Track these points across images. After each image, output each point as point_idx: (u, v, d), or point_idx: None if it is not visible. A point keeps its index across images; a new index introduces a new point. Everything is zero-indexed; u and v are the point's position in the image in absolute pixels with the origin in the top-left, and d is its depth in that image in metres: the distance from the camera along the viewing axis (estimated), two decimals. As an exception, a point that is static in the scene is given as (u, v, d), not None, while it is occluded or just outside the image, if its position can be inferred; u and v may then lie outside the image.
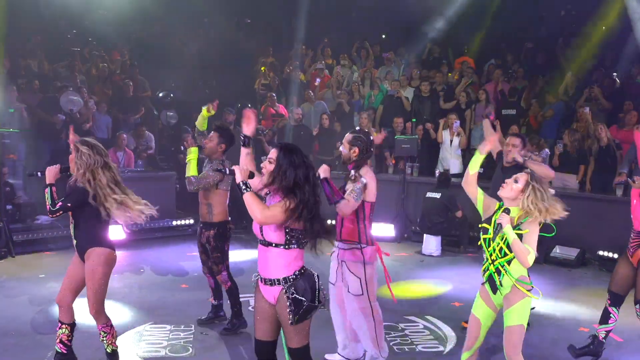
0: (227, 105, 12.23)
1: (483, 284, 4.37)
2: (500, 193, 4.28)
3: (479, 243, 4.37)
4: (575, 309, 7.00)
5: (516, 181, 4.23)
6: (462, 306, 6.85)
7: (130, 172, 10.88)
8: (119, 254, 9.76)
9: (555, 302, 7.36)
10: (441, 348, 5.90)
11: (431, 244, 9.77)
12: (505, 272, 4.19)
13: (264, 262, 3.87)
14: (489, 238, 4.27)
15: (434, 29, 15.74)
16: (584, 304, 7.26)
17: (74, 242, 4.90)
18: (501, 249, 4.19)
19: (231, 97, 14.14)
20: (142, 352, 5.66)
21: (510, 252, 4.15)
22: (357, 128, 5.07)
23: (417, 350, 5.84)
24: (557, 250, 9.22)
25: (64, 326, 4.95)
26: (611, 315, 5.46)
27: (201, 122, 6.35)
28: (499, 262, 4.21)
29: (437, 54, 14.67)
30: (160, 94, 13.25)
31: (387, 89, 13.09)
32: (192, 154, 5.94)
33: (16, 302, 6.86)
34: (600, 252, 8.94)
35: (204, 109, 6.26)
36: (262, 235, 3.83)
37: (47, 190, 4.74)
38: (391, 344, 5.92)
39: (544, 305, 7.00)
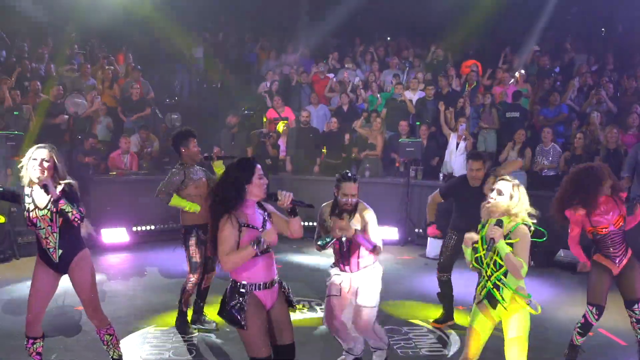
0: (231, 109, 12.26)
1: (480, 302, 4.25)
2: (491, 209, 4.20)
3: (471, 266, 4.30)
4: (579, 312, 6.95)
5: (500, 193, 4.18)
6: (465, 310, 6.83)
7: (134, 174, 10.91)
8: (123, 256, 9.86)
9: (560, 306, 7.34)
10: (445, 352, 5.89)
11: (435, 247, 9.74)
12: (504, 285, 4.12)
13: (268, 266, 3.98)
14: (481, 256, 4.18)
15: (440, 32, 15.80)
16: (583, 308, 7.20)
17: (58, 252, 4.59)
18: (495, 262, 4.13)
19: (235, 100, 14.17)
20: (146, 354, 5.66)
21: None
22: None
23: (420, 353, 5.83)
24: (562, 254, 9.20)
25: (37, 340, 4.80)
26: (592, 326, 5.45)
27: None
28: (495, 277, 4.14)
29: (442, 57, 14.66)
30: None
31: (389, 93, 13.09)
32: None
33: (20, 305, 6.85)
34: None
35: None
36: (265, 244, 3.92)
37: (63, 201, 4.49)
38: (395, 347, 5.91)
39: (548, 309, 6.97)
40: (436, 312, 6.83)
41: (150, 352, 5.72)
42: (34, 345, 4.79)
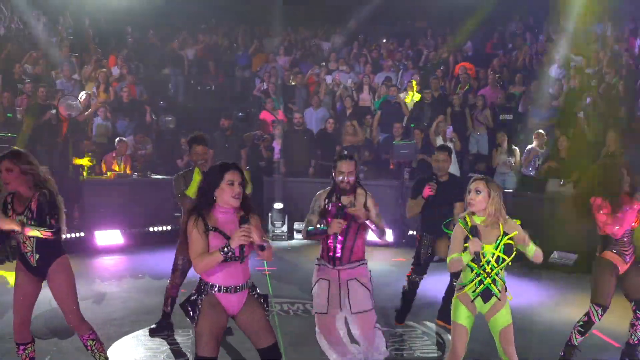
0: (224, 110, 12.25)
1: (472, 300, 4.28)
2: (472, 209, 4.25)
3: (464, 265, 4.26)
4: (574, 314, 6.97)
5: (478, 191, 4.22)
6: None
7: (129, 177, 10.89)
8: (117, 258, 9.82)
9: (554, 308, 7.36)
10: (439, 353, 5.89)
11: (429, 249, 9.74)
12: (500, 278, 4.24)
13: (236, 272, 3.97)
14: (480, 254, 4.18)
15: (434, 34, 15.90)
16: (584, 309, 7.24)
17: (35, 256, 4.55)
18: (497, 258, 4.19)
19: (229, 101, 14.17)
20: (140, 357, 5.65)
21: (508, 256, 4.16)
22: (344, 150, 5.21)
23: (415, 355, 5.83)
24: (556, 256, 9.22)
25: (28, 345, 4.78)
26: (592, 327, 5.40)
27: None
28: (495, 272, 4.21)
29: (436, 60, 14.72)
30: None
31: (385, 96, 13.13)
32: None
33: (9, 307, 6.83)
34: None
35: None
36: (241, 252, 3.89)
37: (28, 228, 4.37)
38: (389, 349, 5.91)
39: (543, 311, 7.01)
40: (432, 313, 6.83)
41: (145, 354, 5.70)
42: (26, 351, 4.77)
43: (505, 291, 4.30)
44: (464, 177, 8.99)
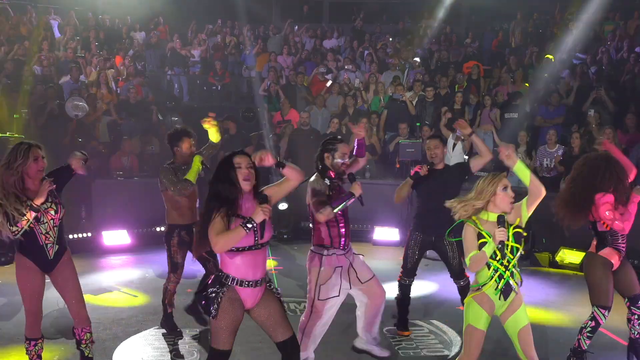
0: (230, 111, 12.26)
1: (478, 296, 4.23)
2: (506, 209, 4.19)
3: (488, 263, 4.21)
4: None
5: (505, 188, 4.19)
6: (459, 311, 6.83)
7: (135, 177, 10.92)
8: (124, 258, 9.85)
9: (562, 307, 7.33)
10: (446, 352, 5.89)
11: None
12: (517, 271, 4.21)
13: (256, 264, 3.99)
14: (502, 247, 4.14)
15: (442, 33, 15.89)
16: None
17: (55, 248, 4.65)
18: (511, 248, 4.15)
19: (235, 101, 14.19)
20: (147, 356, 5.67)
21: (520, 244, 4.14)
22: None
23: (422, 354, 5.83)
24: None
25: (38, 341, 4.83)
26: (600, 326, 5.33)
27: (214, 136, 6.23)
28: (512, 264, 4.17)
29: (445, 59, 14.69)
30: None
31: (389, 95, 13.10)
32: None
33: (21, 307, 6.85)
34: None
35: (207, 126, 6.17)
36: (262, 237, 3.92)
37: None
38: (396, 348, 5.92)
39: (551, 310, 6.99)
40: (440, 312, 6.82)
41: (152, 354, 5.72)
42: (35, 347, 4.83)
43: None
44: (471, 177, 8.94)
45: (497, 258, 4.16)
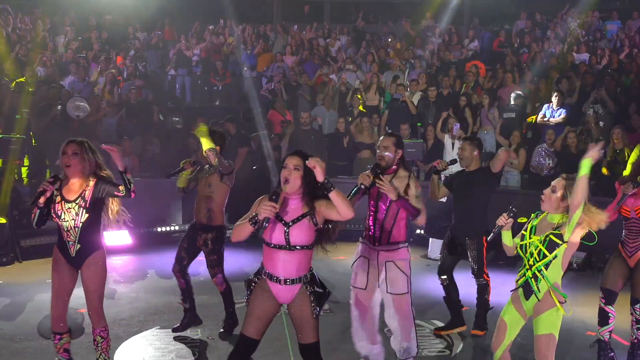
0: (230, 112, 12.27)
1: (515, 290, 4.30)
2: (543, 208, 4.24)
3: (515, 252, 4.32)
4: (582, 312, 6.96)
5: (554, 190, 4.20)
6: (468, 310, 6.83)
7: (136, 177, 10.91)
8: (126, 259, 9.85)
9: (570, 307, 7.30)
10: (447, 352, 5.89)
11: (437, 247, 9.73)
12: (543, 277, 4.14)
13: (285, 265, 4.00)
14: (526, 244, 4.21)
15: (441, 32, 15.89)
16: (592, 308, 7.21)
17: (76, 247, 4.68)
18: (540, 251, 4.15)
19: (236, 102, 14.19)
20: (148, 356, 5.67)
21: (550, 253, 4.11)
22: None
23: (423, 354, 5.82)
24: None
25: (64, 336, 4.86)
26: (609, 314, 5.43)
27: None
28: (536, 267, 4.15)
29: (446, 59, 14.69)
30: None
31: (390, 95, 13.10)
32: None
33: (23, 308, 6.88)
34: (608, 256, 8.84)
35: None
36: (287, 241, 3.93)
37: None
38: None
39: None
40: (439, 312, 6.82)
41: (153, 354, 5.73)
42: (61, 341, 4.86)
43: (562, 302, 4.16)
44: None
45: (527, 254, 4.22)
